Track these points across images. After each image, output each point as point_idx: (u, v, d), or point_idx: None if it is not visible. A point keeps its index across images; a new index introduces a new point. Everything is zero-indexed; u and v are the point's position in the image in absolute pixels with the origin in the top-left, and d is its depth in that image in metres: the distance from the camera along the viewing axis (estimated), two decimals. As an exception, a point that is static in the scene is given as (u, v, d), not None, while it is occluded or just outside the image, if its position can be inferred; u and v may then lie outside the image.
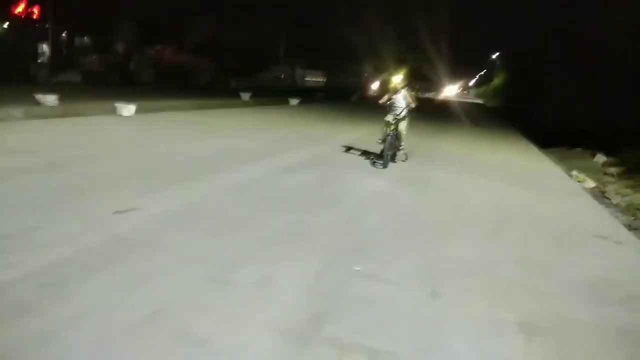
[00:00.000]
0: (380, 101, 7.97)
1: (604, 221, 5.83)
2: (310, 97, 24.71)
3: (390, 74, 8.02)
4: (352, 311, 2.83)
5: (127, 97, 11.93)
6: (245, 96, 18.38)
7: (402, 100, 7.75)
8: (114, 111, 10.67)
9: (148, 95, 15.03)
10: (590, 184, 8.34)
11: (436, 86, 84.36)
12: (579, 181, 8.57)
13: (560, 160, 11.58)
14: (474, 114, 28.57)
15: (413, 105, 7.81)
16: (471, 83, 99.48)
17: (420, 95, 64.11)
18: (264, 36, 35.92)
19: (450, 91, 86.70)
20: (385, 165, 7.43)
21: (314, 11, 39.18)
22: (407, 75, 8.09)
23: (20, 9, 25.23)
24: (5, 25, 24.09)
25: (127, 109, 10.57)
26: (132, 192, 4.68)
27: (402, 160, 8.20)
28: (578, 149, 13.46)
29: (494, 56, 52.08)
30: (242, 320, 2.58)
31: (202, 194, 4.93)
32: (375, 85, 42.93)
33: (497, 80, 46.32)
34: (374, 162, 7.84)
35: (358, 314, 2.81)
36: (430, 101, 46.22)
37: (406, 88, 7.87)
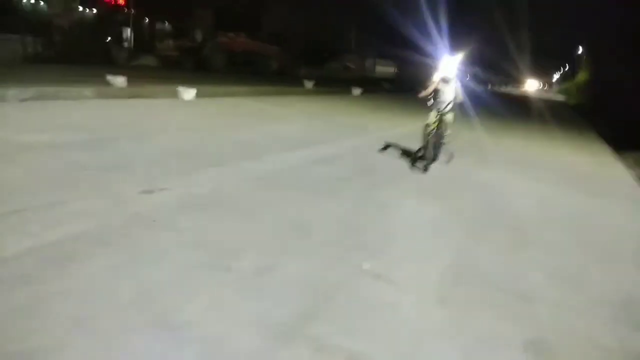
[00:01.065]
0: (421, 94, 6.54)
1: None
2: (376, 87, 24.36)
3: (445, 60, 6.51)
4: (347, 311, 2.74)
5: (195, 82, 12.36)
6: (309, 84, 18.45)
7: (451, 93, 6.45)
8: (176, 95, 11.11)
9: (216, 80, 15.50)
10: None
11: (516, 81, 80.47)
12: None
13: (637, 163, 10.61)
14: (550, 110, 26.85)
15: (461, 99, 6.60)
16: (554, 79, 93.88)
17: (496, 89, 61.50)
18: (337, 25, 35.86)
19: (531, 86, 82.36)
20: (426, 169, 6.45)
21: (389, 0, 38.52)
22: (461, 61, 6.66)
23: (110, -5, 26.89)
24: (94, 11, 25.82)
25: (188, 93, 10.96)
26: (164, 173, 4.82)
27: (445, 162, 6.94)
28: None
29: (579, 51, 48.55)
30: (228, 310, 2.57)
31: (231, 180, 4.99)
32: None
33: (580, 77, 43.20)
34: (414, 164, 6.75)
35: (352, 315, 2.71)
36: (505, 95, 44.10)
37: (457, 79, 6.56)
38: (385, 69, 46.04)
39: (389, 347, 2.44)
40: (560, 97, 55.46)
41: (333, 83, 21.58)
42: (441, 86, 6.43)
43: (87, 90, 9.74)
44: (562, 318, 2.99)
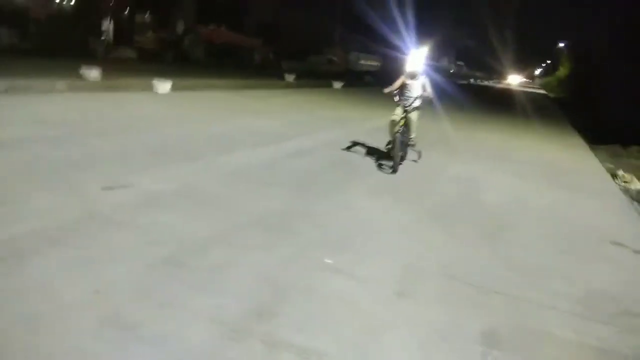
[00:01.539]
0: (386, 90, 6.26)
1: (630, 227, 5.35)
2: (358, 81, 24.35)
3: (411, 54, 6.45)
4: (302, 306, 2.73)
5: (173, 75, 12.19)
6: (290, 78, 18.37)
7: (417, 88, 6.20)
8: (151, 88, 10.96)
9: (194, 73, 15.31)
10: (638, 185, 7.71)
11: (498, 74, 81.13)
12: (624, 182, 7.94)
13: (611, 157, 10.79)
14: (529, 103, 27.14)
15: (429, 94, 6.25)
16: (537, 73, 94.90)
17: (478, 82, 61.91)
18: (320, 19, 35.73)
19: (514, 80, 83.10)
20: (395, 170, 6.05)
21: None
22: (427, 56, 6.54)
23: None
24: (72, 2, 25.30)
25: (163, 86, 10.82)
26: (130, 169, 4.76)
27: (414, 160, 6.68)
28: (635, 147, 12.48)
29: (560, 45, 49.13)
30: (180, 308, 2.54)
31: (200, 175, 4.94)
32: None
33: (561, 71, 43.73)
34: (381, 164, 6.44)
35: (307, 309, 2.71)
36: (485, 89, 44.45)
37: (424, 73, 6.34)
38: (369, 63, 46.02)
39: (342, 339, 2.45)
40: (541, 91, 56.08)
41: (315, 76, 21.51)
42: (408, 81, 6.22)
43: (60, 83, 9.54)
44: (518, 310, 3.02)
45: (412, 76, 6.21)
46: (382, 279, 3.18)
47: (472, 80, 66.06)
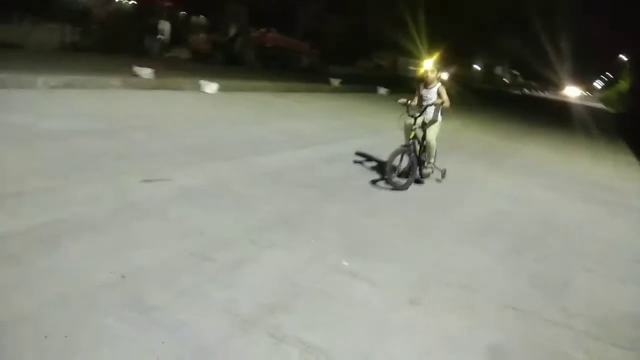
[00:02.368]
0: (401, 101, 5.72)
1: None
2: (405, 87, 24.16)
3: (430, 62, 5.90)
4: (314, 305, 2.82)
5: (222, 76, 12.62)
6: (335, 82, 18.51)
7: (434, 96, 5.69)
8: (199, 88, 11.37)
9: (242, 74, 15.71)
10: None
11: (555, 86, 78.37)
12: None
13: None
14: (584, 118, 26.09)
15: (446, 103, 5.61)
16: (596, 85, 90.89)
17: (532, 93, 60.02)
18: (370, 24, 35.72)
19: (571, 92, 80.00)
20: (389, 182, 5.39)
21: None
22: (441, 60, 6.04)
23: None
24: (132, 2, 26.50)
25: (210, 87, 11.21)
26: (169, 163, 5.01)
27: (437, 180, 6.21)
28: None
29: (621, 57, 46.92)
30: (198, 297, 2.70)
31: (233, 174, 5.13)
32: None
33: (622, 84, 41.69)
34: (375, 181, 5.74)
35: (319, 308, 2.80)
36: (537, 101, 43.01)
37: (439, 80, 5.82)
38: (417, 68, 45.61)
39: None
40: (600, 105, 53.69)
41: (361, 82, 21.56)
42: (423, 91, 5.80)
43: (114, 80, 10.08)
44: (532, 327, 3.00)
45: (427, 85, 5.77)
46: (397, 285, 3.23)
47: (525, 91, 64.06)
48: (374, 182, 5.71)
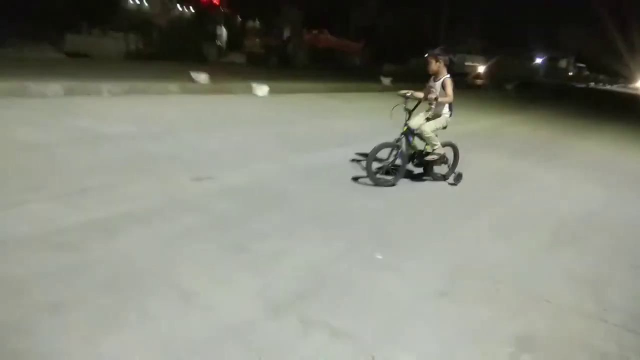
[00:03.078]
0: (401, 92, 5.32)
1: None
2: (459, 84, 23.72)
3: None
4: (345, 295, 2.96)
5: (274, 78, 13.00)
6: (386, 80, 18.50)
7: (438, 89, 5.23)
8: (252, 91, 11.79)
9: (294, 76, 16.07)
10: None
11: (625, 78, 73.62)
12: None
13: None
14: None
15: (446, 98, 5.14)
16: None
17: (598, 86, 56.67)
18: (424, 19, 35.29)
19: (647, 85, 74.93)
20: (371, 178, 5.19)
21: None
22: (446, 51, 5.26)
23: (206, -5, 28.73)
24: (192, 10, 27.68)
25: (261, 89, 11.60)
26: (217, 164, 5.33)
27: (451, 184, 5.69)
28: None
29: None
30: (235, 284, 2.91)
31: (275, 172, 5.37)
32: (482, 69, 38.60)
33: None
34: (357, 178, 5.45)
35: (348, 298, 2.93)
36: (605, 93, 40.66)
37: (449, 70, 5.21)
38: (475, 65, 44.43)
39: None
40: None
41: (413, 80, 21.37)
42: (430, 83, 5.33)
43: (172, 86, 10.69)
44: (563, 320, 2.99)
45: (436, 77, 5.26)
46: (426, 277, 3.31)
47: (592, 84, 60.73)
48: (355, 179, 5.42)
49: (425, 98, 5.23)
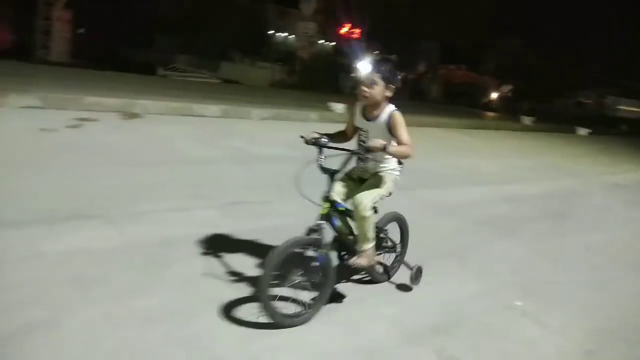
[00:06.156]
0: (312, 136, 3.09)
1: None
2: (610, 129, 21.68)
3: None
4: (481, 336, 2.88)
5: (406, 111, 13.11)
6: (525, 119, 17.61)
7: (378, 133, 2.92)
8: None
9: (426, 111, 16.08)
10: None
11: None
12: None
13: None
14: None
15: (404, 149, 2.88)
16: None
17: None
18: (571, 58, 33.05)
19: None
20: (268, 311, 2.51)
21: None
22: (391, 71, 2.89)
23: (345, 29, 30.21)
24: (332, 44, 29.21)
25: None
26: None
27: (406, 286, 3.33)
28: None
29: None
30: (370, 308, 3.02)
31: (405, 203, 5.41)
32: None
33: None
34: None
35: (485, 340, 2.85)
36: None
37: (391, 104, 2.97)
38: (630, 109, 40.19)
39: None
40: None
41: (557, 120, 20.04)
42: (360, 122, 3.08)
43: (312, 114, 11.37)
44: None
45: (369, 109, 2.99)
46: (571, 332, 3.10)
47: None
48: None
49: (369, 149, 2.73)
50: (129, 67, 17.54)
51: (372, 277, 3.33)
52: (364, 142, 3.02)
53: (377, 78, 2.85)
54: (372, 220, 2.95)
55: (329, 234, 2.88)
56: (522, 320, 3.16)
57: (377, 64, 2.91)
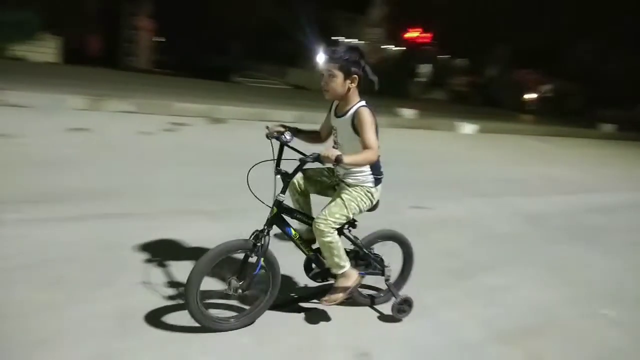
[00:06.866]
0: (274, 129, 2.58)
1: None
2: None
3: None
4: (568, 341, 2.91)
5: (477, 117, 13.00)
6: (606, 127, 16.73)
7: (344, 134, 2.57)
8: (455, 128, 11.94)
9: (501, 116, 15.72)
10: None
11: None
12: None
13: None
14: None
15: (363, 155, 2.44)
16: None
17: None
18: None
19: None
20: (196, 317, 2.36)
21: None
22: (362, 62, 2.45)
23: (414, 34, 29.99)
24: (400, 49, 29.12)
25: (467, 127, 11.66)
26: (431, 195, 5.65)
27: (396, 314, 2.84)
28: None
29: None
30: (464, 307, 3.12)
31: (488, 210, 5.43)
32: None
33: None
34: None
35: (572, 345, 2.89)
36: None
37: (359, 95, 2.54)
38: None
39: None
40: None
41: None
42: (333, 121, 2.66)
43: (382, 120, 11.49)
44: None
45: (337, 105, 2.62)
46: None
47: None
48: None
49: (319, 159, 2.22)
50: (205, 74, 18.50)
51: (353, 297, 2.84)
52: (336, 142, 2.65)
53: (334, 69, 2.41)
54: (336, 244, 2.53)
55: (270, 240, 2.45)
56: (611, 329, 3.14)
57: (332, 53, 2.42)
